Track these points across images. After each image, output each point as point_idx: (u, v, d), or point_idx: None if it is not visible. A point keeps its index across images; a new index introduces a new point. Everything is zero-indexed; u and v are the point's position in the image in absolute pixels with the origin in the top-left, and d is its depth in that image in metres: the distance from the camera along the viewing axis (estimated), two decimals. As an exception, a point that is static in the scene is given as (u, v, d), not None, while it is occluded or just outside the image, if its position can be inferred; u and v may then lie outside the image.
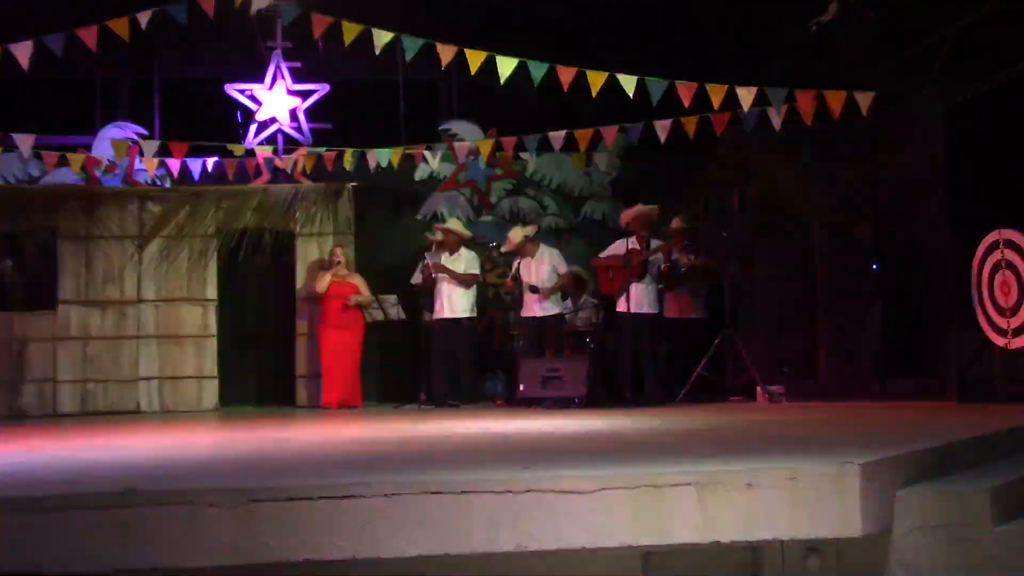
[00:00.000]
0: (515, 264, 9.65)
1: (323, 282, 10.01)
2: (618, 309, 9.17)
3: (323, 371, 10.01)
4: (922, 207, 8.62)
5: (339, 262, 10.06)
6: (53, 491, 3.24)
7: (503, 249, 10.27)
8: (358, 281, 10.18)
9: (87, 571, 3.15)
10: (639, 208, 9.45)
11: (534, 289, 9.38)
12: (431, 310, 9.78)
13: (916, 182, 8.76)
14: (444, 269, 9.64)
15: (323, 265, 10.29)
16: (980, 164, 8.21)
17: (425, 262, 9.63)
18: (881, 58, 9.92)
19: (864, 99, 8.79)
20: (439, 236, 9.97)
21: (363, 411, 9.41)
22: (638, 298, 8.91)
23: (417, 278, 9.95)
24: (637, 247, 9.05)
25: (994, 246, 7.70)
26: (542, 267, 9.52)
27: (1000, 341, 7.68)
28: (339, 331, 9.98)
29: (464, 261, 9.83)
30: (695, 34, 10.94)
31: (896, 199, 9.26)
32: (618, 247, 9.26)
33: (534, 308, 9.46)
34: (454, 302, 9.68)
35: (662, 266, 9.11)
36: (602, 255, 9.46)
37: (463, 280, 9.77)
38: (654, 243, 9.14)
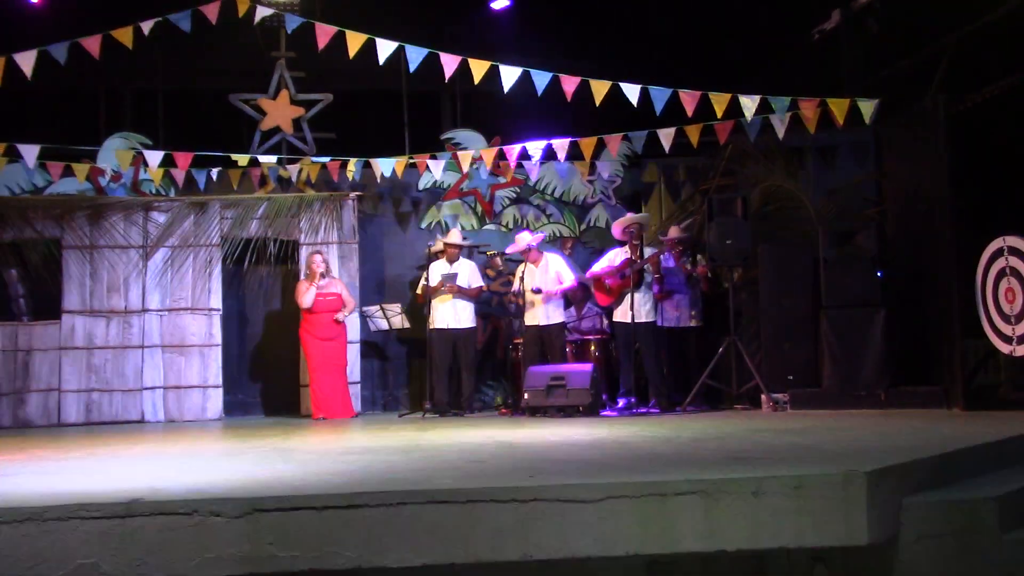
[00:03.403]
0: (519, 271, 9.65)
1: (308, 296, 9.78)
2: (615, 319, 9.17)
3: (312, 383, 9.88)
4: (926, 214, 8.61)
5: (321, 272, 9.88)
6: (58, 501, 3.24)
7: (508, 250, 10.28)
8: (340, 287, 10.04)
9: (92, 581, 3.16)
10: (630, 217, 9.47)
11: (537, 290, 9.37)
12: (431, 318, 9.74)
13: (919, 189, 8.76)
14: (461, 290, 9.63)
15: (306, 276, 10.00)
16: (984, 171, 8.21)
17: (441, 280, 9.57)
18: (884, 66, 9.93)
19: (867, 107, 8.80)
20: (439, 246, 9.98)
21: (368, 421, 9.39)
22: (636, 307, 8.91)
23: (420, 289, 9.94)
24: (630, 256, 9.05)
25: (998, 253, 7.69)
26: (546, 275, 9.51)
27: (1005, 348, 7.67)
28: (325, 342, 9.83)
29: (467, 271, 9.83)
30: (699, 43, 10.96)
31: (900, 206, 9.26)
32: (611, 257, 9.29)
33: (537, 316, 9.45)
34: (458, 312, 9.68)
35: (654, 276, 9.10)
36: (595, 266, 9.45)
37: (474, 296, 9.78)
38: (647, 252, 9.13)
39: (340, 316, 9.86)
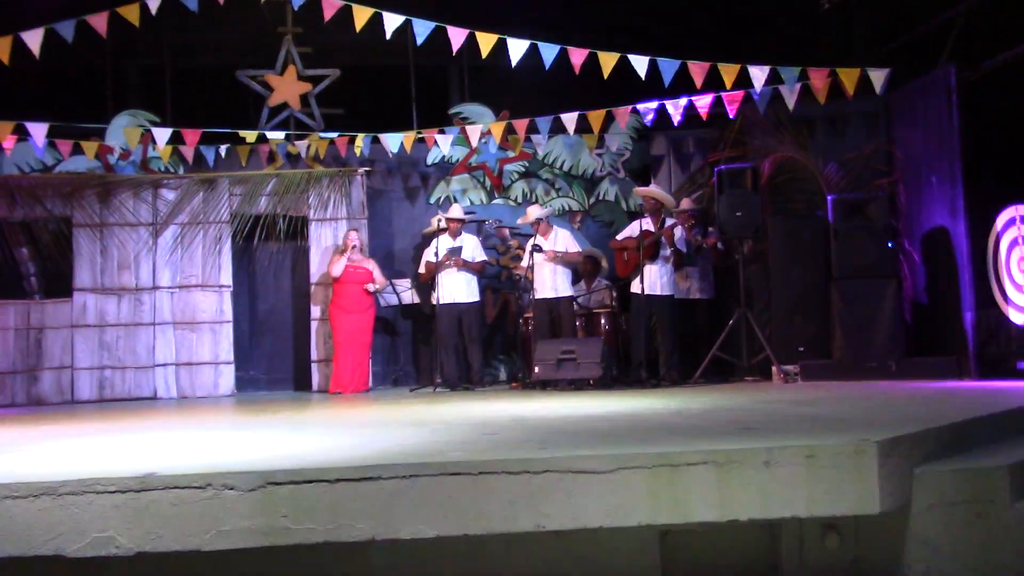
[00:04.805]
0: (529, 244, 9.65)
1: (338, 266, 10.03)
2: (632, 291, 9.16)
3: (336, 357, 10.01)
4: (937, 184, 8.57)
5: (354, 246, 10.06)
6: (73, 476, 3.26)
7: (519, 221, 10.30)
8: (372, 266, 10.20)
9: (107, 555, 3.18)
10: (652, 189, 9.45)
11: (538, 248, 9.36)
12: (437, 294, 9.78)
13: (931, 159, 8.72)
14: (466, 264, 9.67)
15: (338, 249, 10.28)
16: (996, 139, 8.16)
17: (447, 252, 9.61)
18: (894, 35, 9.85)
19: (877, 77, 8.74)
20: (436, 225, 9.96)
21: (379, 395, 9.43)
22: (652, 279, 8.90)
23: (423, 269, 10.00)
24: (651, 228, 9.03)
25: (1011, 222, 7.67)
26: (555, 248, 9.50)
27: (1018, 318, 7.65)
28: (352, 315, 10.02)
29: (470, 245, 9.85)
30: (707, 14, 10.89)
31: (911, 176, 9.22)
32: (633, 228, 9.27)
33: (547, 290, 9.44)
34: (462, 286, 9.71)
35: (670, 249, 9.08)
36: (619, 237, 9.45)
37: (477, 269, 9.82)
38: (668, 223, 9.12)
39: (370, 287, 10.00)
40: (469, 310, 9.78)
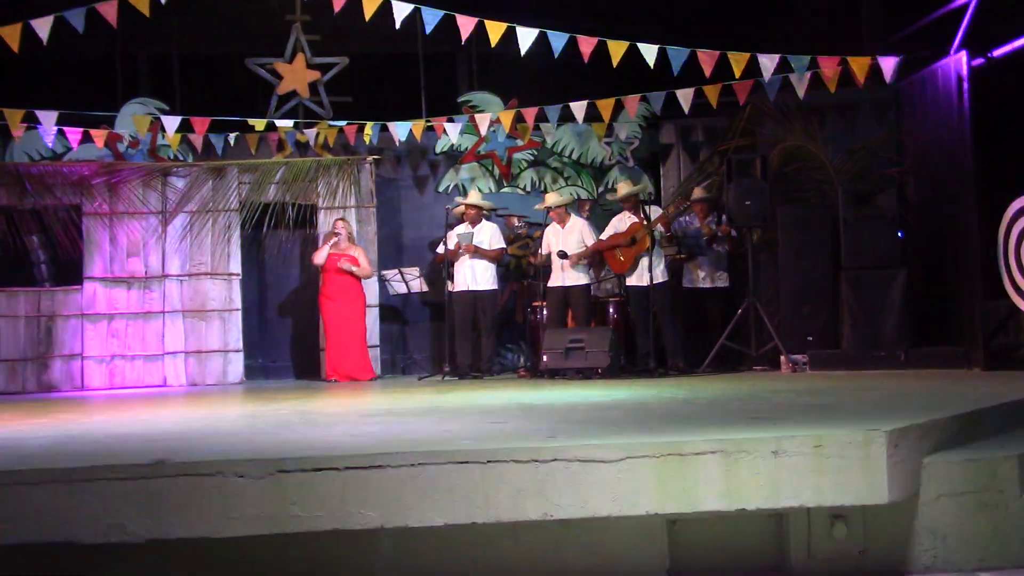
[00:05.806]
0: (546, 232, 9.61)
1: (320, 254, 10.01)
2: (629, 283, 9.15)
3: (327, 343, 10.04)
4: (947, 173, 8.54)
5: (339, 234, 10.03)
6: (85, 463, 3.28)
7: (536, 207, 10.27)
8: (358, 254, 10.15)
9: (118, 541, 3.21)
10: (623, 187, 9.46)
11: (563, 255, 9.33)
12: (452, 281, 9.78)
13: (941, 148, 8.68)
14: (479, 250, 9.64)
15: (326, 237, 10.24)
16: (1007, 128, 8.12)
17: (458, 242, 9.61)
18: (905, 22, 9.80)
19: (888, 65, 8.71)
20: (461, 209, 9.98)
21: (388, 384, 9.45)
22: (646, 270, 8.87)
23: (441, 249, 9.95)
24: (637, 221, 9.03)
25: (1021, 212, 7.63)
26: (571, 237, 9.45)
27: (1027, 308, 7.63)
28: (338, 303, 9.96)
29: (488, 233, 9.83)
30: (716, 1, 10.85)
31: (921, 165, 9.19)
32: (616, 224, 9.27)
33: (561, 278, 9.42)
34: (478, 274, 9.68)
35: (664, 235, 9.07)
36: (603, 236, 9.41)
37: (493, 257, 9.79)
38: (653, 213, 9.05)
39: (341, 263, 9.90)
40: (484, 297, 9.75)
